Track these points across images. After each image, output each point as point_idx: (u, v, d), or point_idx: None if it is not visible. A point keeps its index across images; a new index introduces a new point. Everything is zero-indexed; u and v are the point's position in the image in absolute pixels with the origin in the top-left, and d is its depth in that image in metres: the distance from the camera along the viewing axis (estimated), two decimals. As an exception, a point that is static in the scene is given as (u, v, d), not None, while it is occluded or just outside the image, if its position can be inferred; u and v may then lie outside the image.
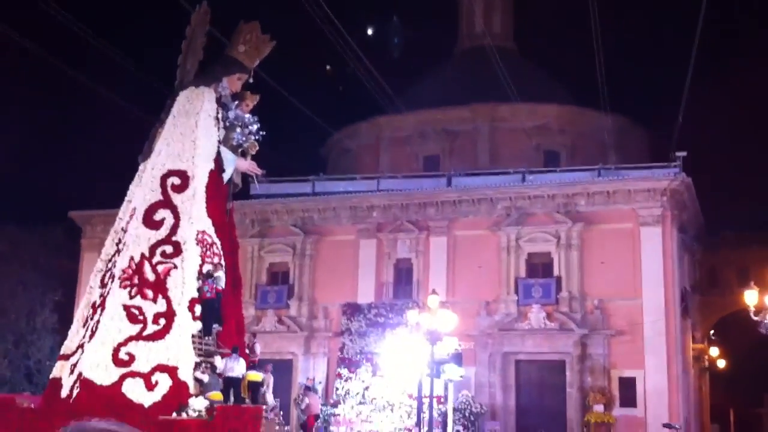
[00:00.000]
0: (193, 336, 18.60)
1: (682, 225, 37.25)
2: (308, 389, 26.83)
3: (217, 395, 17.81)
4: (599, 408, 33.16)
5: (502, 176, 38.53)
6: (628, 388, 33.65)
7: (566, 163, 41.30)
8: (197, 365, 18.12)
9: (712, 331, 45.78)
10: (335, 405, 33.88)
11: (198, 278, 19.19)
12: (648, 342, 33.56)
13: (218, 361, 18.52)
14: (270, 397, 20.63)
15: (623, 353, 33.79)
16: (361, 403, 33.26)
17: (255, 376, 19.68)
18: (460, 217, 37.48)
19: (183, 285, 18.92)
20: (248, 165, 22.49)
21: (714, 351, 44.90)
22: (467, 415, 32.23)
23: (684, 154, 36.03)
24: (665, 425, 28.98)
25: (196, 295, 18.97)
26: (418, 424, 26.40)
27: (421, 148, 44.85)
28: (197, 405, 17.18)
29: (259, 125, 22.64)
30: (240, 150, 22.28)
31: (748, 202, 44.74)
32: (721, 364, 45.35)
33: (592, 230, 35.56)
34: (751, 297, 23.68)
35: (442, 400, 29.82)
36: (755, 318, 23.40)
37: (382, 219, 38.59)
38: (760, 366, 35.84)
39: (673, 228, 35.43)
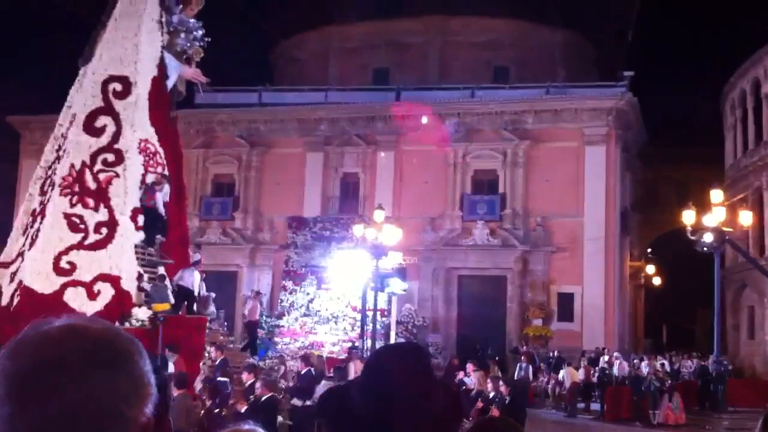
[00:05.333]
0: (135, 246, 18.41)
1: (625, 144, 37.75)
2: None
3: (162, 306, 17.71)
4: (538, 322, 34.06)
5: (451, 91, 38.30)
6: (566, 303, 34.55)
7: (515, 80, 41.15)
8: (140, 275, 17.99)
9: (649, 249, 46.95)
10: (279, 317, 34.14)
11: (141, 187, 18.88)
12: (587, 259, 34.33)
13: (162, 271, 18.40)
14: (212, 308, 20.60)
15: (563, 269, 34.54)
16: (305, 315, 33.56)
17: (163, 306, 17.86)
18: (408, 132, 37.31)
19: (125, 194, 18.64)
20: (193, 72, 21.95)
21: (650, 268, 46.11)
22: (410, 327, 32.81)
23: (631, 73, 36.24)
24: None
25: (138, 204, 18.70)
26: (362, 336, 26.83)
27: (371, 60, 44.08)
28: (140, 315, 17.13)
29: (204, 31, 22.02)
30: (184, 56, 21.70)
31: (691, 121, 45.37)
32: (657, 281, 46.64)
33: (538, 148, 35.80)
34: (688, 216, 24.27)
35: (386, 313, 30.27)
36: (692, 237, 24.04)
37: (329, 132, 38.24)
38: (694, 283, 36.95)
39: (617, 147, 35.89)
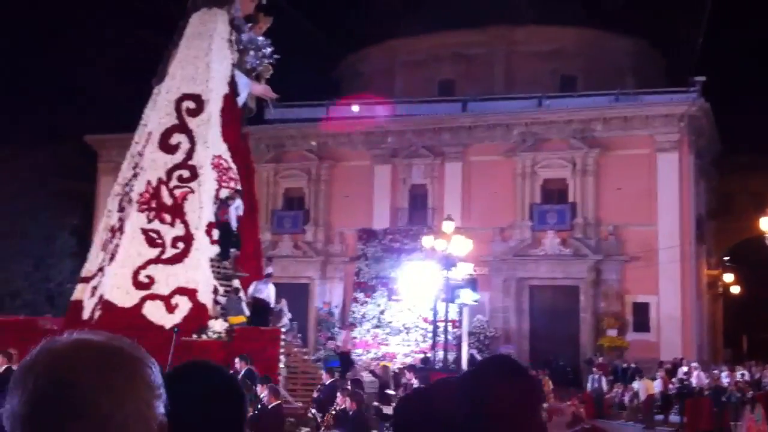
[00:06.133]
0: (211, 259, 18.78)
1: (698, 150, 36.91)
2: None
3: (238, 318, 18.03)
4: (613, 332, 33.45)
5: (517, 101, 38.08)
6: (641, 313, 33.88)
7: (583, 88, 40.64)
8: (216, 288, 18.34)
9: (726, 257, 45.75)
10: (351, 328, 34.34)
11: (215, 202, 19.27)
12: (662, 268, 33.62)
13: (237, 284, 18.73)
14: (286, 320, 20.84)
15: (637, 279, 33.89)
16: (377, 326, 33.71)
17: (239, 319, 18.52)
18: (475, 143, 37.21)
19: (200, 209, 19.06)
20: (262, 89, 22.34)
21: (728, 277, 44.89)
22: (482, 339, 32.63)
23: (703, 78, 35.44)
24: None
25: (213, 219, 19.09)
26: (434, 347, 26.79)
27: (436, 72, 44.04)
28: (217, 327, 17.46)
29: (272, 48, 22.39)
30: (254, 74, 22.10)
31: (766, 127, 44.13)
32: (735, 290, 45.39)
33: (608, 156, 35.29)
34: (766, 223, 23.59)
35: (457, 324, 30.16)
36: (771, 244, 23.34)
37: (396, 144, 38.40)
38: (775, 292, 35.90)
39: (690, 154, 35.13)
